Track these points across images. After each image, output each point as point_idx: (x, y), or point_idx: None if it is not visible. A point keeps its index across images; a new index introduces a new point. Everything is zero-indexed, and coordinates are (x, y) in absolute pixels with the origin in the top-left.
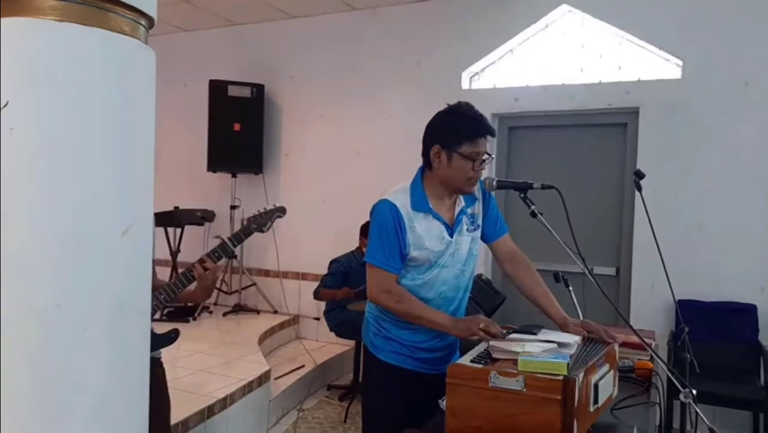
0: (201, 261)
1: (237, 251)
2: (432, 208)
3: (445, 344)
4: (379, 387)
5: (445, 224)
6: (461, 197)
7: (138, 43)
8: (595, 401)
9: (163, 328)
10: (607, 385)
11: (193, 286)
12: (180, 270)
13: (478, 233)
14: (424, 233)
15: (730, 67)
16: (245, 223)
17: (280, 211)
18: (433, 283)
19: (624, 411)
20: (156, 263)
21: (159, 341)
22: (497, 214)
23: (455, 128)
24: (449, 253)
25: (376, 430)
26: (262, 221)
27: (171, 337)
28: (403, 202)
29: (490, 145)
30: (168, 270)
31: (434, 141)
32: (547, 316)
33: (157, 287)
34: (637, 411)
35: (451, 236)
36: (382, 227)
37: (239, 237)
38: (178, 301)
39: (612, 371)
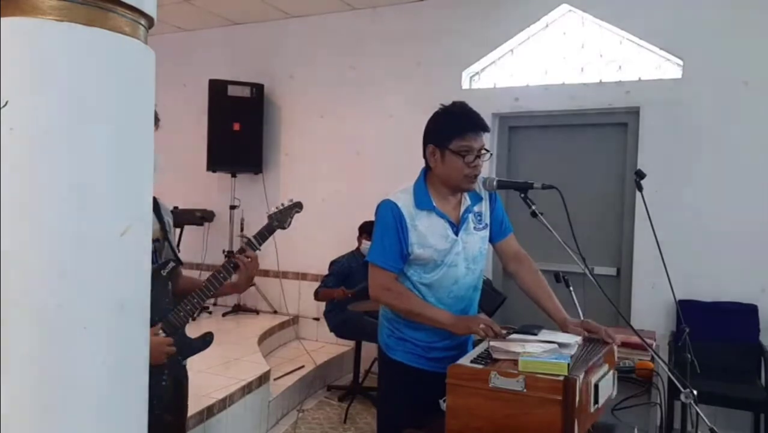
0: (241, 251)
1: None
2: (435, 206)
3: (457, 343)
4: (393, 387)
5: (450, 222)
6: (466, 196)
7: (138, 43)
8: (596, 402)
9: None
10: (607, 385)
11: (233, 278)
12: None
13: (487, 231)
14: (427, 231)
15: (730, 67)
16: (266, 221)
17: (298, 206)
18: (442, 282)
19: (625, 412)
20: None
21: (195, 346)
22: (502, 214)
23: (445, 126)
24: (455, 252)
25: (391, 430)
26: (282, 218)
27: (206, 341)
28: (405, 201)
29: (487, 141)
30: None
31: (429, 141)
32: (547, 316)
33: (193, 287)
34: (638, 412)
35: (457, 234)
36: (384, 227)
37: (264, 235)
38: (219, 295)
39: (611, 371)
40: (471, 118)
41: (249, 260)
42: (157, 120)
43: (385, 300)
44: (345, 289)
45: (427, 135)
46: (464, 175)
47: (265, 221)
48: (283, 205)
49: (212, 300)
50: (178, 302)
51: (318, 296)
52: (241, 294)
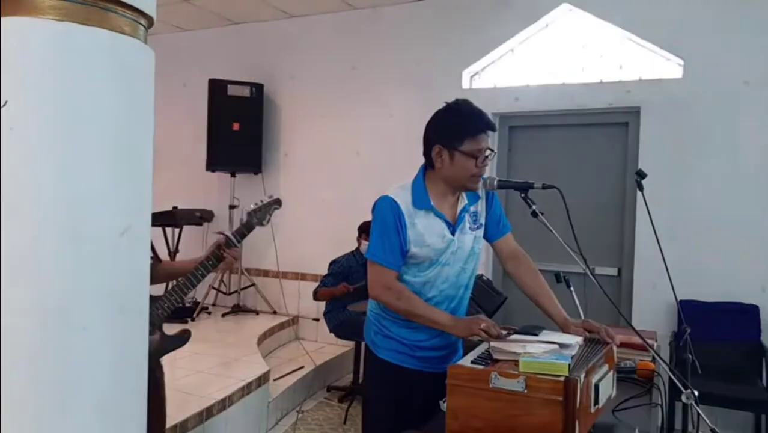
0: (224, 246)
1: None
2: (433, 205)
3: (446, 343)
4: (379, 386)
5: (446, 221)
6: (464, 195)
7: (137, 42)
8: (596, 402)
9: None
10: (607, 385)
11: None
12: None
13: (481, 231)
14: (425, 230)
15: (730, 67)
16: (245, 218)
17: (277, 203)
18: (434, 281)
19: (626, 412)
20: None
21: (171, 342)
22: (500, 213)
23: (455, 126)
24: (451, 251)
25: (376, 429)
26: (261, 215)
27: (184, 338)
28: (404, 199)
29: (492, 140)
30: None
31: (435, 141)
32: (547, 316)
33: (172, 275)
34: (639, 412)
35: (453, 233)
36: (383, 224)
37: (242, 233)
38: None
39: (611, 372)
40: (481, 119)
41: (232, 258)
42: None
43: (385, 299)
44: (347, 285)
45: (434, 134)
46: (471, 176)
47: (245, 218)
48: (262, 201)
49: (210, 300)
50: (156, 299)
51: (317, 295)
52: (240, 294)
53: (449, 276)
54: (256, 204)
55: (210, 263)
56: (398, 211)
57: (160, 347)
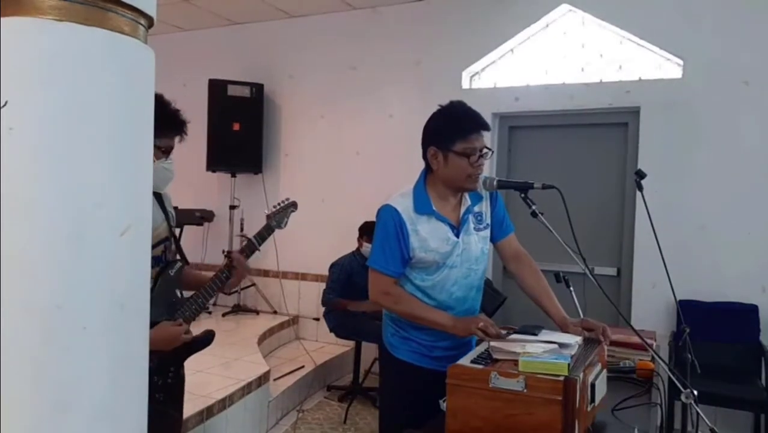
0: (234, 256)
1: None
2: (435, 210)
3: (461, 342)
4: (396, 385)
5: (450, 225)
6: (467, 196)
7: (138, 42)
8: (592, 400)
9: None
10: (602, 384)
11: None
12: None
13: (488, 232)
14: (429, 235)
15: (730, 67)
16: (266, 221)
17: (293, 206)
18: (443, 284)
19: (625, 412)
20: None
21: (197, 343)
22: (504, 213)
23: (447, 128)
24: (456, 253)
25: (394, 429)
26: (280, 218)
27: (208, 339)
28: (405, 206)
29: (486, 139)
30: None
31: (430, 143)
32: (547, 315)
33: (197, 283)
34: (638, 412)
35: (457, 236)
36: (384, 233)
37: (263, 236)
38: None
39: (604, 370)
40: (472, 119)
41: (241, 265)
42: (183, 131)
43: (384, 304)
44: (357, 305)
45: (428, 137)
46: (467, 176)
47: (264, 222)
48: (279, 205)
49: (211, 300)
50: (185, 301)
51: (326, 305)
52: (240, 293)
53: (458, 278)
54: (274, 207)
55: (224, 274)
56: (399, 220)
57: (188, 347)
